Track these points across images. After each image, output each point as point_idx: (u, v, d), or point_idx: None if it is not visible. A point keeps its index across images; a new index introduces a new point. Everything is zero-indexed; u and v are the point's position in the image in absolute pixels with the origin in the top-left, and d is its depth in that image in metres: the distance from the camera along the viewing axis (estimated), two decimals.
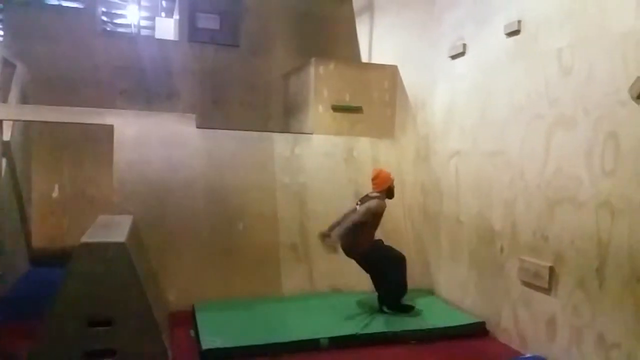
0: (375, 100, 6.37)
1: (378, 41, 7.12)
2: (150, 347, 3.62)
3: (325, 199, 5.84)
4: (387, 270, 4.84)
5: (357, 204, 4.96)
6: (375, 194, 4.90)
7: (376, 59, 7.04)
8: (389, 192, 4.94)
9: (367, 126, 6.32)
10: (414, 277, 5.80)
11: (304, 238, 5.64)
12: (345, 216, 4.88)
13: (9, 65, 6.05)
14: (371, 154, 6.22)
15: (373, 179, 4.97)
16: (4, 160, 5.49)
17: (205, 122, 6.06)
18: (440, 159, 5.39)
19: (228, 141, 5.79)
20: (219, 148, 5.73)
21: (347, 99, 6.28)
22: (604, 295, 3.43)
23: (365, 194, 5.09)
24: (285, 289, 5.40)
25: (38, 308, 4.18)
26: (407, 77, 6.24)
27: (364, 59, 7.44)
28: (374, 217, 4.80)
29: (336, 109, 6.22)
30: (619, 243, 3.31)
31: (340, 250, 4.80)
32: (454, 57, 5.19)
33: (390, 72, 6.39)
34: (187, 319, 4.64)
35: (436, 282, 5.51)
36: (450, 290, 5.26)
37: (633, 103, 3.22)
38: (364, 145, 6.23)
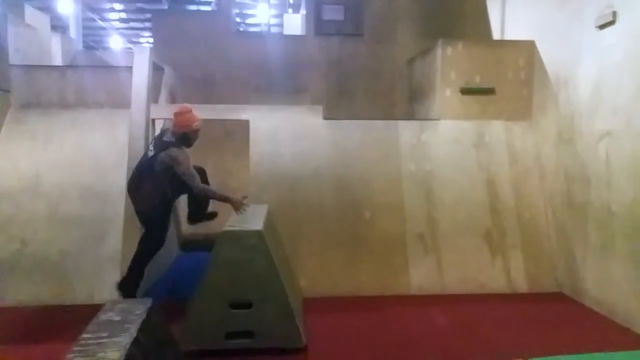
0: (510, 80, 5.96)
1: (511, 16, 6.64)
2: (285, 330, 3.80)
3: (453, 187, 5.63)
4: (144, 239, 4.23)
5: (150, 149, 4.31)
6: (169, 139, 4.19)
7: (510, 36, 6.59)
8: (184, 140, 4.24)
9: (500, 109, 5.94)
10: (555, 275, 5.38)
11: (431, 228, 5.49)
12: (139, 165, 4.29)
13: (158, 68, 6.62)
14: (505, 138, 5.85)
15: (175, 115, 4.26)
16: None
17: (331, 113, 6.16)
18: (587, 142, 4.88)
19: (353, 131, 5.84)
20: (344, 138, 5.79)
21: (477, 81, 5.96)
22: None
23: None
24: (414, 281, 5.31)
25: (186, 289, 4.54)
26: (546, 53, 5.72)
27: (496, 36, 6.99)
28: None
29: (465, 91, 5.94)
30: None
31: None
32: (601, 27, 4.66)
33: (526, 49, 5.93)
34: (317, 306, 4.73)
35: (582, 281, 4.99)
36: (600, 291, 4.73)
37: None
38: (496, 130, 5.88)
